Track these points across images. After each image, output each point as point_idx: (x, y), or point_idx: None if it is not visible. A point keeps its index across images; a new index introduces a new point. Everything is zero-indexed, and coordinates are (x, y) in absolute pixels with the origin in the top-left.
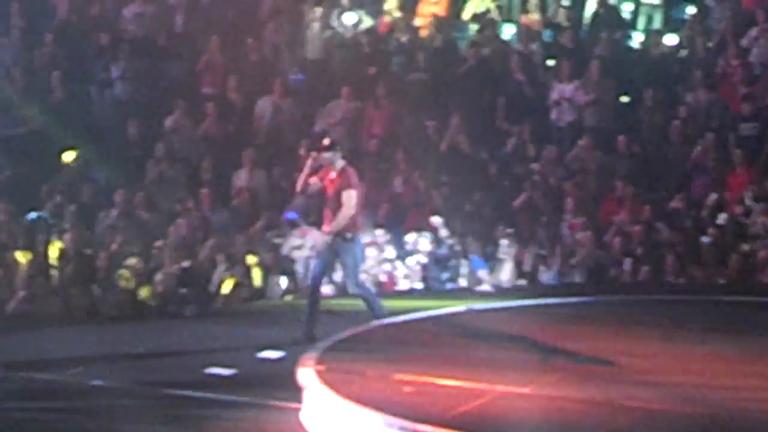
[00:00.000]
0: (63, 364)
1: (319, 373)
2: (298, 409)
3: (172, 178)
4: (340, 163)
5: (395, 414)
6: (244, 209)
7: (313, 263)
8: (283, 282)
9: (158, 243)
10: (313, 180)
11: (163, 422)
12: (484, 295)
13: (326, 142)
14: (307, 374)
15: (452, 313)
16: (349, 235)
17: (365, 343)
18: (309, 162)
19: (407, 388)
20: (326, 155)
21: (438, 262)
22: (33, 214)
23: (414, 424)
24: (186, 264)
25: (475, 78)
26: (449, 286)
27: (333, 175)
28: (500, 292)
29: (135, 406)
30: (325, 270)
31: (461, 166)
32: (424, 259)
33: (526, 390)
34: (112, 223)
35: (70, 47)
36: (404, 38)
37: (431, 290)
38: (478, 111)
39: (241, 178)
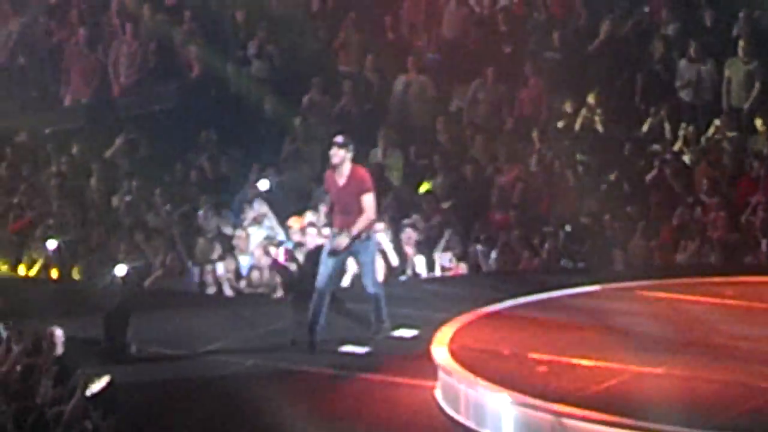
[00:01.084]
0: (200, 343)
1: (453, 352)
2: (432, 388)
3: (308, 156)
4: (349, 164)
5: (529, 393)
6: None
7: (323, 266)
8: (420, 261)
9: (291, 220)
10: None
11: (298, 400)
12: (616, 274)
13: (339, 139)
14: (441, 352)
15: (585, 291)
16: (364, 234)
17: (499, 322)
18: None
19: (541, 367)
20: (340, 153)
21: (570, 239)
22: None
23: (548, 403)
24: (322, 241)
25: (612, 57)
26: (580, 264)
27: (342, 177)
28: (633, 271)
29: (270, 383)
30: (336, 274)
31: (596, 146)
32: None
33: (659, 370)
34: (247, 199)
35: (207, 24)
36: (541, 16)
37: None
38: (614, 90)
39: (377, 157)
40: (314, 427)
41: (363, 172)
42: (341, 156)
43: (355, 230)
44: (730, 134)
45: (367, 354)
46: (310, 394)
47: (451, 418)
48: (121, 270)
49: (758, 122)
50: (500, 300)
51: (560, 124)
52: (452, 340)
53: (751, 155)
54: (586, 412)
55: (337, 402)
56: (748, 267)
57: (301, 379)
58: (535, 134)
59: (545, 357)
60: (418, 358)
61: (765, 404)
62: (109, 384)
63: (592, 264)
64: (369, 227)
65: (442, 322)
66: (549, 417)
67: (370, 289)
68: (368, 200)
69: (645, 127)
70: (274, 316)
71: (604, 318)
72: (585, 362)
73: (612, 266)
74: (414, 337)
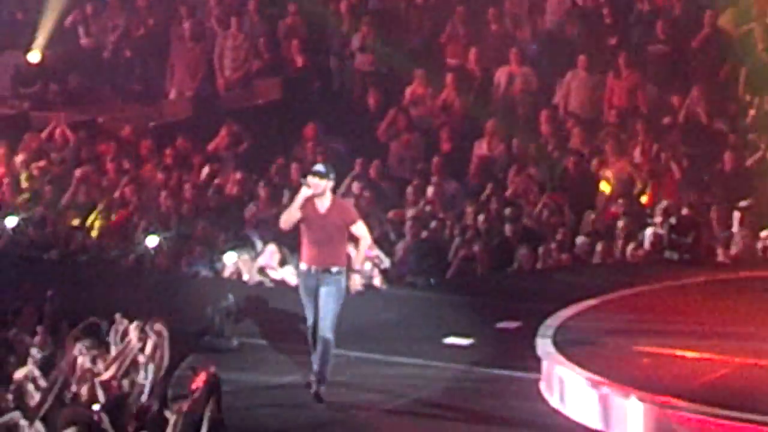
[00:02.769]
0: (301, 335)
1: (558, 344)
2: (537, 380)
3: (411, 148)
4: (330, 194)
5: (635, 385)
6: (476, 180)
7: (305, 305)
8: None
9: (392, 213)
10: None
11: (399, 392)
12: (720, 266)
13: (321, 168)
14: (545, 345)
15: (689, 283)
16: (335, 269)
17: (603, 314)
18: (303, 191)
19: (646, 359)
20: (321, 183)
21: (673, 230)
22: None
23: (654, 395)
24: (424, 234)
25: (716, 48)
26: (685, 256)
27: (324, 206)
28: (737, 262)
29: (372, 375)
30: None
31: (699, 137)
32: (660, 230)
33: (765, 362)
34: (351, 192)
35: (311, 17)
36: (645, 8)
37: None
38: (717, 81)
39: (482, 148)
40: (418, 419)
41: (346, 203)
42: (322, 186)
43: (359, 263)
44: None
45: (471, 346)
46: (412, 385)
47: (556, 411)
48: (230, 258)
49: None
50: (605, 292)
51: (665, 116)
52: (557, 331)
53: None
54: (690, 404)
55: (440, 394)
56: None
57: (404, 371)
58: (639, 126)
59: (650, 349)
60: (523, 350)
61: None
62: (213, 374)
63: (696, 256)
64: (339, 257)
65: (547, 314)
66: (654, 408)
67: (327, 333)
68: (362, 228)
69: (749, 118)
70: (376, 306)
71: (708, 310)
72: (689, 354)
73: (716, 258)
74: (518, 329)
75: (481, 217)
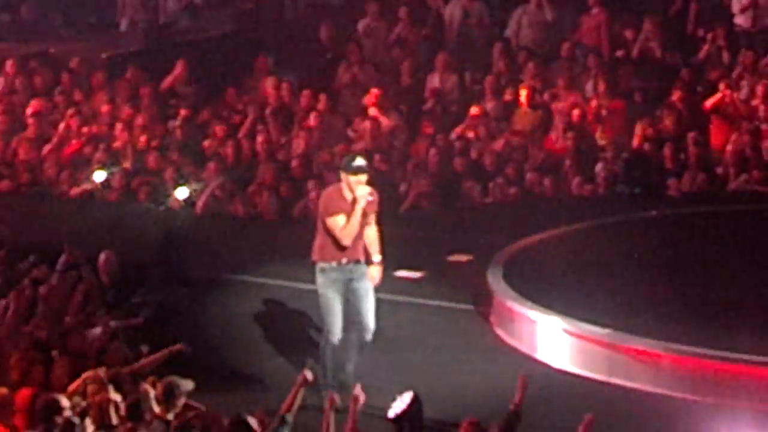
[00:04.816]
0: (257, 264)
1: (508, 277)
2: (487, 313)
3: (363, 82)
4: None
5: (584, 318)
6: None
7: (332, 308)
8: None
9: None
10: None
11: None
12: (671, 201)
13: (361, 162)
14: (496, 278)
15: (641, 218)
16: (363, 259)
17: (554, 248)
18: (360, 204)
19: (596, 294)
20: (364, 177)
21: (625, 165)
22: None
23: (601, 329)
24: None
25: None
26: (636, 191)
27: (365, 197)
28: (685, 199)
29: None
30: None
31: (653, 72)
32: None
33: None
34: (304, 126)
35: None
36: None
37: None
38: (670, 16)
39: (434, 82)
40: (368, 353)
41: (375, 193)
42: (365, 180)
43: (379, 253)
44: None
45: (421, 278)
46: None
47: (506, 343)
48: (182, 193)
49: None
50: (556, 226)
51: (618, 51)
52: (507, 265)
53: None
54: (638, 339)
55: (391, 327)
56: None
57: None
58: (590, 61)
59: (599, 283)
60: (473, 283)
61: None
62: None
63: (648, 191)
64: (364, 248)
65: (498, 248)
66: (603, 342)
67: (370, 332)
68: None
69: (702, 53)
70: None
71: (658, 245)
72: (639, 288)
73: (667, 193)
74: (469, 262)
75: (432, 151)
